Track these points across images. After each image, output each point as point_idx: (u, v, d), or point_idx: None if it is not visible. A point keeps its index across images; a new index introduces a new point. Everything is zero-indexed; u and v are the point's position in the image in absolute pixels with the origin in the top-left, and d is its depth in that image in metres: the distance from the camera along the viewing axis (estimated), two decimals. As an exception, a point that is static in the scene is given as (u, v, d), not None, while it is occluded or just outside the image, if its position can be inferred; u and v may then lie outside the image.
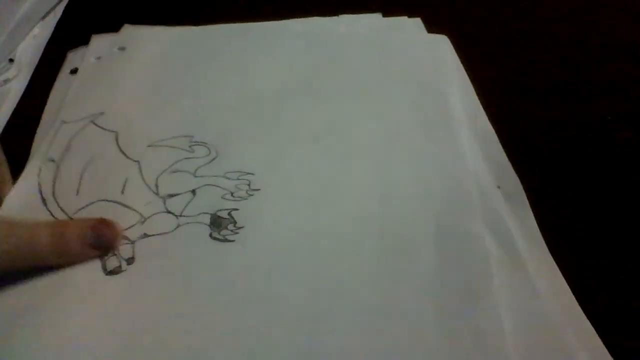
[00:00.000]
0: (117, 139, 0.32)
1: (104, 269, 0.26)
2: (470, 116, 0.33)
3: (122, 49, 0.39)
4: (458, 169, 0.30)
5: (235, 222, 0.28)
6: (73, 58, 0.39)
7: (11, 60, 0.39)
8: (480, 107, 0.34)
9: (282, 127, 0.32)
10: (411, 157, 0.30)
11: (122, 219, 0.27)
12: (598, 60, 0.39)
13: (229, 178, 0.30)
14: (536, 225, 0.27)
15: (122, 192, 0.29)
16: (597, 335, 0.23)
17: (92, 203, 0.28)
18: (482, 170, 0.30)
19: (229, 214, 0.28)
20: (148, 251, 0.26)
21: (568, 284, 0.25)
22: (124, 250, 0.26)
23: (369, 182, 0.29)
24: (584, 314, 0.24)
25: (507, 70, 0.38)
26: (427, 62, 0.37)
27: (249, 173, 0.30)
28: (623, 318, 0.24)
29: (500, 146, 0.31)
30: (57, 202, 0.28)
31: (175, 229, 0.27)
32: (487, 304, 0.24)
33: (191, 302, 0.24)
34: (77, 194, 0.29)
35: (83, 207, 0.28)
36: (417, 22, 0.41)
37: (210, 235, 0.27)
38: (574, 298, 0.24)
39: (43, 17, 0.43)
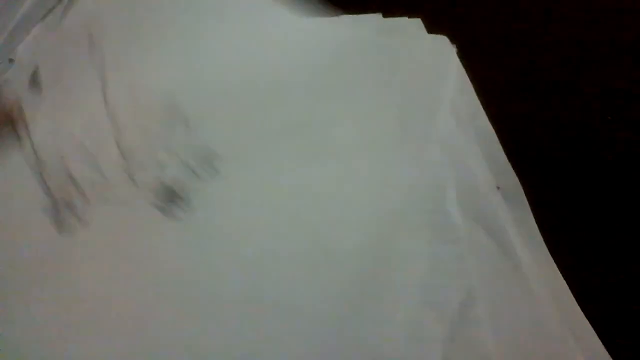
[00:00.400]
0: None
1: (58, 223, 0.25)
2: (470, 116, 0.33)
3: None
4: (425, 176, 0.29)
5: (185, 200, 0.27)
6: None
7: (11, 60, 0.39)
8: (480, 107, 0.34)
9: (264, 119, 0.32)
10: (382, 161, 0.30)
11: (84, 172, 0.27)
12: (598, 60, 0.38)
13: (197, 155, 0.29)
14: (536, 225, 0.27)
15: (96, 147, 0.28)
16: (596, 336, 0.23)
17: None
18: (482, 170, 0.30)
19: (184, 190, 0.27)
20: (100, 216, 0.26)
21: (568, 285, 0.25)
22: (78, 209, 0.26)
23: (331, 186, 0.29)
24: (583, 315, 0.24)
25: (507, 70, 0.38)
26: (426, 63, 0.37)
27: (217, 155, 0.29)
28: (623, 319, 0.24)
29: (500, 146, 0.31)
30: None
31: (132, 198, 0.27)
32: None
33: (122, 271, 0.25)
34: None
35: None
36: (417, 22, 0.41)
37: (158, 207, 0.27)
38: (574, 299, 0.24)
39: (43, 18, 0.43)
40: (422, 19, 0.41)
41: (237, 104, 0.32)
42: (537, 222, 0.27)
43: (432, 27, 0.40)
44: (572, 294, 0.25)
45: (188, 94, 0.31)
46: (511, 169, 0.30)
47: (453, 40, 0.39)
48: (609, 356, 0.22)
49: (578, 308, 0.24)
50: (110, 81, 0.30)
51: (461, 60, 0.37)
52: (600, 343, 0.23)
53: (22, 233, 0.26)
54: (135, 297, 0.24)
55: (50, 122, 0.28)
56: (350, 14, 0.42)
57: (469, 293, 0.24)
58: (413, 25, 0.41)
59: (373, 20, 0.42)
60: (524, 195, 0.29)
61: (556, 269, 0.26)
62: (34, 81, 0.29)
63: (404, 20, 0.41)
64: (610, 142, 0.32)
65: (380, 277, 0.25)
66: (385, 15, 0.42)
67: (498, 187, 0.29)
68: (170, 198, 0.27)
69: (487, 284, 0.25)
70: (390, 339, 0.23)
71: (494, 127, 0.32)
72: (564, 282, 0.25)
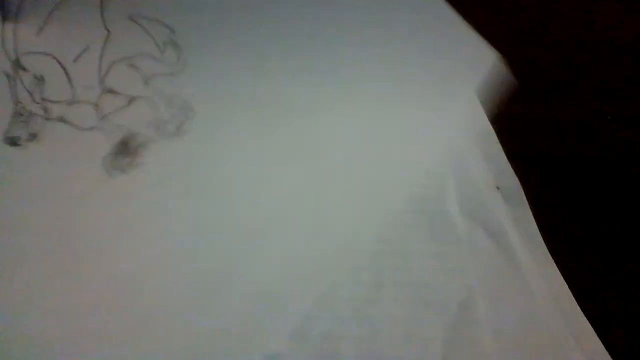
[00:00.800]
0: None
1: (5, 133, 0.25)
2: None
3: None
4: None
5: (137, 157, 0.25)
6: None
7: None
8: (481, 106, 0.34)
9: (267, 97, 0.28)
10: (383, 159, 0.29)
11: (57, 85, 0.26)
12: (598, 60, 0.38)
13: (172, 105, 0.27)
14: (535, 225, 0.27)
15: (75, 61, 0.27)
16: (596, 336, 0.23)
17: (43, 54, 0.26)
18: (482, 170, 0.30)
19: (140, 144, 0.26)
20: (52, 136, 0.25)
21: (568, 285, 0.25)
22: (34, 122, 0.25)
23: (323, 183, 0.27)
24: (583, 315, 0.24)
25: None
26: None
27: (192, 113, 0.27)
28: (623, 319, 0.24)
29: (500, 146, 0.31)
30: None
31: (89, 128, 0.26)
32: None
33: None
34: (37, 35, 0.27)
35: (34, 53, 0.26)
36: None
37: (108, 157, 0.25)
38: (574, 299, 0.24)
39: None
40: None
41: (241, 57, 0.29)
42: (537, 222, 0.27)
43: (432, 27, 0.40)
44: (572, 294, 0.25)
45: (190, 19, 0.29)
46: (511, 169, 0.30)
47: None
48: (608, 356, 0.22)
49: (578, 308, 0.24)
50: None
51: (461, 60, 0.37)
52: (600, 343, 0.23)
53: None
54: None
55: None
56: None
57: (469, 293, 0.24)
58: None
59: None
60: (524, 195, 0.29)
61: (556, 269, 0.26)
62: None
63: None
64: (610, 142, 0.32)
65: (380, 277, 0.25)
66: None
67: (498, 187, 0.29)
68: (124, 149, 0.26)
69: (487, 284, 0.25)
70: (390, 339, 0.23)
71: (494, 127, 0.32)
72: (564, 282, 0.25)
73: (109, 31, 0.27)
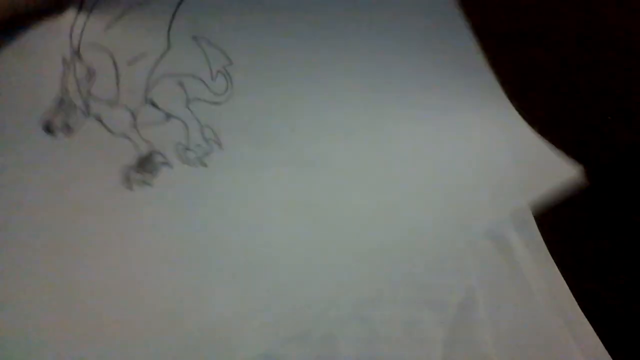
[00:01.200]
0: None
1: (44, 117, 0.25)
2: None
3: None
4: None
5: (152, 175, 0.25)
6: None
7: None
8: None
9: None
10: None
11: (105, 83, 0.26)
12: (598, 60, 0.38)
13: (203, 134, 0.26)
14: (536, 225, 0.27)
15: (129, 64, 0.26)
16: (596, 336, 0.23)
17: (102, 48, 0.26)
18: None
19: (159, 163, 0.26)
20: (85, 133, 0.25)
21: (568, 285, 0.25)
22: (73, 114, 0.25)
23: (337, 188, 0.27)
24: (583, 315, 0.24)
25: (507, 70, 0.38)
26: None
27: (218, 148, 0.26)
28: (623, 319, 0.24)
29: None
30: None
31: (120, 134, 0.26)
32: None
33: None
34: (104, 30, 0.26)
35: (95, 46, 0.26)
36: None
37: (128, 168, 0.25)
38: (574, 299, 0.24)
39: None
40: (422, 19, 0.41)
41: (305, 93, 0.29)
42: (537, 223, 0.27)
43: (432, 27, 0.40)
44: (572, 294, 0.25)
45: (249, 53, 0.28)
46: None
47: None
48: (608, 356, 0.22)
49: (578, 308, 0.24)
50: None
51: (461, 60, 0.37)
52: (600, 343, 0.23)
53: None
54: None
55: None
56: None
57: (469, 293, 0.24)
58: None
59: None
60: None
61: (556, 269, 0.26)
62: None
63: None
64: (610, 142, 0.32)
65: (380, 277, 0.25)
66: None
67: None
68: (145, 164, 0.26)
69: (487, 284, 0.25)
70: (389, 340, 0.23)
71: (494, 127, 0.32)
72: (564, 282, 0.25)
73: (169, 44, 0.27)
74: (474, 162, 0.27)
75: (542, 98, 0.36)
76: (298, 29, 0.27)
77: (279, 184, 0.26)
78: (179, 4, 0.26)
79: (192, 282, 0.23)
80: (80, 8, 0.26)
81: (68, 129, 0.26)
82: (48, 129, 0.25)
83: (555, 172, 0.25)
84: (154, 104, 0.26)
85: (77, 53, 0.26)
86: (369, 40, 0.28)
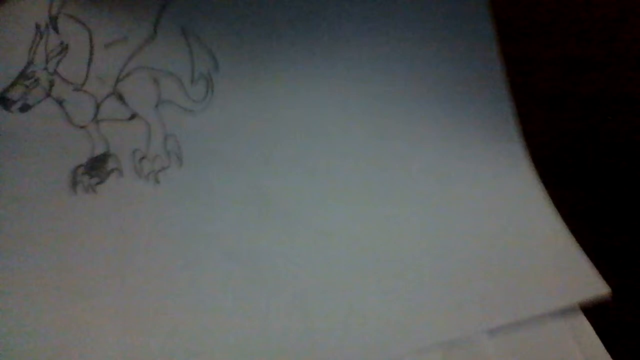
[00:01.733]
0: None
1: (2, 90, 0.22)
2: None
3: None
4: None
5: (101, 179, 0.23)
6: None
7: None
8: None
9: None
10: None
11: (75, 63, 0.23)
12: (598, 60, 0.38)
13: (165, 144, 0.23)
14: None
15: (106, 46, 0.24)
16: (596, 336, 0.23)
17: (81, 23, 0.23)
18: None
19: (112, 170, 0.23)
20: (40, 116, 0.22)
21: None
22: (35, 92, 0.23)
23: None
24: (582, 313, 0.24)
25: (507, 70, 0.38)
26: None
27: (176, 165, 0.23)
28: (623, 319, 0.24)
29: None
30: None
31: (79, 126, 0.23)
32: None
33: None
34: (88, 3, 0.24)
35: (74, 18, 0.23)
36: None
37: (79, 167, 0.23)
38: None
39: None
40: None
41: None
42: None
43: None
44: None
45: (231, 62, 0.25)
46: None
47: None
48: (608, 356, 0.22)
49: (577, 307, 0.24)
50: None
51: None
52: (600, 342, 0.23)
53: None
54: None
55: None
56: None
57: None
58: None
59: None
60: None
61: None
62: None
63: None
64: (610, 142, 0.32)
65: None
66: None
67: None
68: (95, 165, 0.23)
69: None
70: (389, 341, 0.23)
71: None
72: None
73: (155, 33, 0.24)
74: (508, 257, 0.24)
75: (542, 98, 0.36)
76: (297, 45, 0.24)
77: (236, 228, 0.22)
78: None
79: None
80: None
81: (25, 105, 0.23)
82: (3, 100, 0.23)
83: (586, 285, 0.23)
84: (121, 98, 0.24)
85: (53, 21, 0.23)
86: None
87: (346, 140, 0.24)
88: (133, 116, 0.23)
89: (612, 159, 0.31)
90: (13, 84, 0.23)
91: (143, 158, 0.23)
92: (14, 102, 0.23)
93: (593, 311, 0.24)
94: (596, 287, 0.23)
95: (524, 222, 0.25)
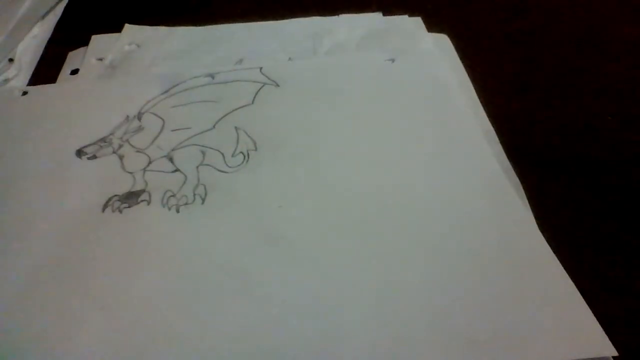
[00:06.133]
0: None
1: (82, 146, 0.31)
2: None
3: (137, 45, 0.40)
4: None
5: (129, 206, 0.28)
6: (73, 58, 0.39)
7: (11, 60, 0.39)
8: (480, 106, 0.34)
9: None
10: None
11: (144, 136, 0.32)
12: (598, 60, 0.39)
13: (196, 188, 0.29)
14: (536, 225, 0.27)
15: (172, 130, 0.32)
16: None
17: (159, 117, 0.33)
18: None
19: (142, 200, 0.28)
20: (103, 162, 0.30)
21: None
22: (105, 149, 0.31)
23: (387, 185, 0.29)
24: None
25: (507, 70, 0.38)
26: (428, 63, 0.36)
27: (198, 209, 0.28)
28: (624, 318, 0.24)
29: (500, 146, 0.31)
30: None
31: (129, 171, 0.30)
32: None
33: None
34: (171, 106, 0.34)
35: (154, 114, 0.33)
36: (418, 21, 0.41)
37: (110, 200, 0.28)
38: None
39: (43, 17, 0.43)
40: (422, 19, 0.41)
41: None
42: (537, 222, 0.27)
43: (432, 27, 0.40)
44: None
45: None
46: (511, 168, 0.30)
47: (453, 39, 0.39)
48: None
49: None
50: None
51: (461, 60, 0.37)
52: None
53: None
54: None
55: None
56: (350, 13, 0.42)
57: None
58: (413, 24, 0.41)
59: (373, 19, 0.42)
60: (524, 195, 0.29)
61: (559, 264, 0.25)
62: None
63: (404, 19, 0.41)
64: (611, 142, 0.32)
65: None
66: (385, 14, 0.42)
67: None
68: (131, 196, 0.29)
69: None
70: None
71: (494, 127, 0.32)
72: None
73: (214, 128, 0.32)
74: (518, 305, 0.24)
75: (542, 98, 0.36)
76: None
77: (234, 249, 0.26)
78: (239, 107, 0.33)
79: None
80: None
81: (94, 157, 0.31)
82: (79, 153, 0.31)
83: (591, 346, 0.22)
84: (171, 160, 0.31)
85: (139, 114, 0.33)
86: None
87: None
88: (176, 171, 0.30)
89: (612, 157, 0.31)
90: (91, 144, 0.31)
91: (172, 196, 0.28)
92: (86, 154, 0.31)
93: (593, 311, 0.24)
94: (602, 348, 0.22)
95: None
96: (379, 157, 0.30)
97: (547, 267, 0.25)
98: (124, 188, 0.29)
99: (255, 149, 0.31)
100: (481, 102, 0.34)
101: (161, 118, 0.33)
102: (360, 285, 0.24)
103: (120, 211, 0.28)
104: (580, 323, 0.23)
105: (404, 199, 0.28)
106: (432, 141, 0.31)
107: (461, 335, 0.23)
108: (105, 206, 0.28)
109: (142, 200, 0.28)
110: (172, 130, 0.32)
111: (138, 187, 0.29)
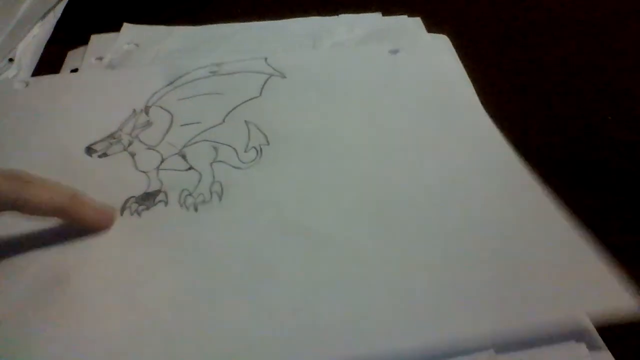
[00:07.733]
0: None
1: (91, 143, 0.30)
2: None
3: (136, 45, 0.40)
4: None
5: (147, 208, 0.27)
6: (72, 57, 0.39)
7: (11, 60, 0.39)
8: (480, 106, 0.34)
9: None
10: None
11: (154, 132, 0.31)
12: (598, 60, 0.38)
13: (212, 186, 0.28)
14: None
15: (181, 125, 0.32)
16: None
17: (167, 111, 0.33)
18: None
19: (159, 201, 0.28)
20: (113, 160, 0.30)
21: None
22: (115, 146, 0.30)
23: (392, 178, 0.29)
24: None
25: (507, 70, 0.38)
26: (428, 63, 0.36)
27: (216, 203, 0.28)
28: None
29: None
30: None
31: (142, 170, 0.29)
32: None
33: None
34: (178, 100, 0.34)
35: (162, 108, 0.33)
36: (417, 21, 0.41)
37: (128, 199, 0.28)
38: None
39: (43, 17, 0.43)
40: (422, 19, 0.41)
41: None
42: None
43: (432, 27, 0.40)
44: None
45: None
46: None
47: (453, 39, 0.39)
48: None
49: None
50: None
51: (461, 60, 0.37)
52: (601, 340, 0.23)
53: None
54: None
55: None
56: (349, 13, 0.42)
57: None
58: (412, 24, 0.41)
59: (373, 19, 0.42)
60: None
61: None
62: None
63: (403, 19, 0.41)
64: (610, 142, 0.32)
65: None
66: (385, 14, 0.42)
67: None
68: (146, 198, 0.28)
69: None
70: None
71: (494, 127, 0.32)
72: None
73: (223, 121, 0.32)
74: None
75: (542, 98, 0.36)
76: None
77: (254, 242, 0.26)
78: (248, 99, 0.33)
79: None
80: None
81: (104, 154, 0.30)
82: (89, 151, 0.30)
83: (616, 298, 0.23)
84: (184, 157, 0.30)
85: (147, 109, 0.33)
86: None
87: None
88: (190, 168, 0.30)
89: (612, 157, 0.31)
90: (100, 141, 0.31)
91: (188, 195, 0.28)
92: (96, 151, 0.30)
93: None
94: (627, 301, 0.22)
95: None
96: (392, 144, 0.30)
97: (565, 236, 0.26)
98: (139, 188, 0.28)
99: (268, 143, 0.31)
100: (481, 102, 0.34)
101: (169, 112, 0.32)
102: (384, 271, 0.24)
103: (139, 214, 0.27)
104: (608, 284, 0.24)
105: (419, 183, 0.28)
106: (442, 125, 0.31)
107: (491, 303, 0.23)
108: (123, 209, 0.27)
109: (159, 201, 0.28)
110: (182, 125, 0.32)
111: (153, 187, 0.28)
